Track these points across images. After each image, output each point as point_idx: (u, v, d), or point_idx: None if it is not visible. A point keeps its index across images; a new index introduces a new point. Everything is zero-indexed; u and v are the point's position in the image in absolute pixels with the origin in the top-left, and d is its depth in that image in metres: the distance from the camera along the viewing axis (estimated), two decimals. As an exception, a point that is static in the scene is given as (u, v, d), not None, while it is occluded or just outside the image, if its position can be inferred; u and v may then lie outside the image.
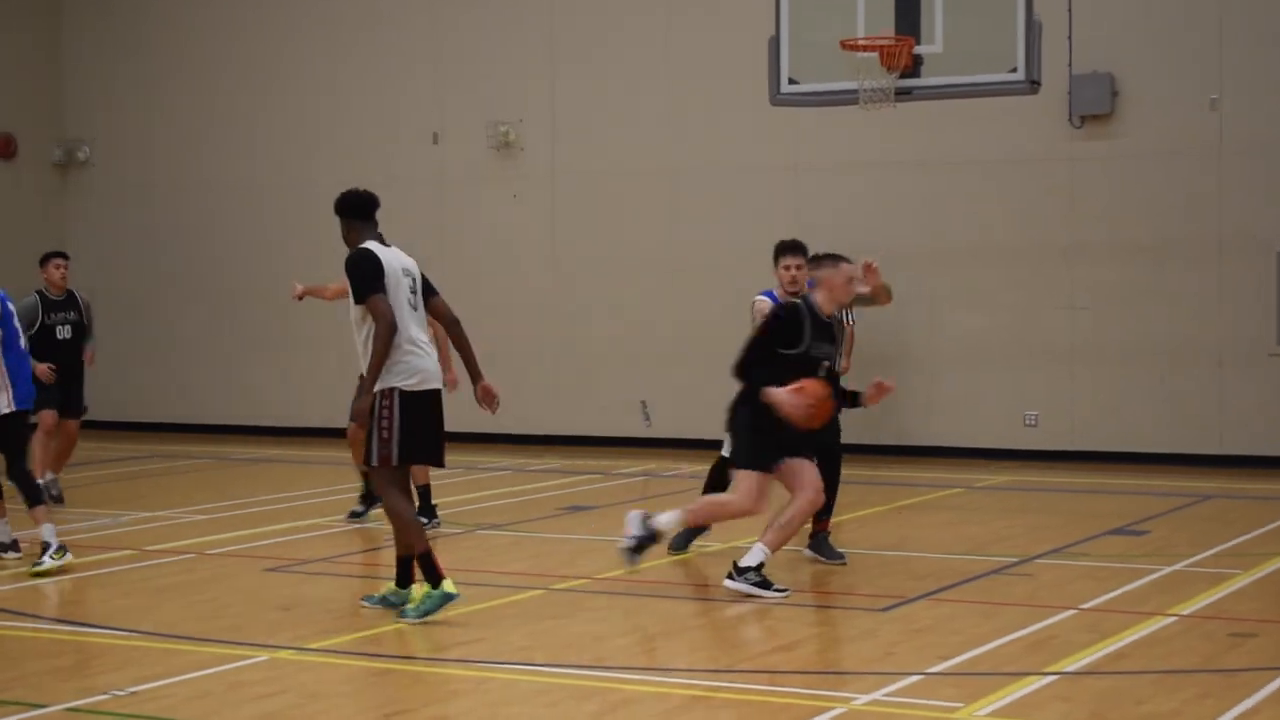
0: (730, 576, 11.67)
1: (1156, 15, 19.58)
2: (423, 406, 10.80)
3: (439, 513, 14.85)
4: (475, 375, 11.18)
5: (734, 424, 12.11)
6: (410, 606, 10.79)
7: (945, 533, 13.91)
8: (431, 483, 14.81)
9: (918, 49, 15.42)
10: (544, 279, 22.08)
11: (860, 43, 15.66)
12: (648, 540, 11.75)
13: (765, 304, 12.87)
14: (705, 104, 21.55)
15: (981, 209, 19.77)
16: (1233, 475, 18.38)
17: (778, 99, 16.02)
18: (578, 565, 12.88)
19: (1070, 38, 18.81)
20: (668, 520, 11.84)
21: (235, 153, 24.36)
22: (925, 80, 15.84)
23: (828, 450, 12.65)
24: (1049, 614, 10.94)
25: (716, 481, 13.35)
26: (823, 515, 12.88)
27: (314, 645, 10.08)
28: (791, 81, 15.96)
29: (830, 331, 11.97)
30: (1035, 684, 9.04)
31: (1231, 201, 19.28)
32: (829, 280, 12.03)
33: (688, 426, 21.42)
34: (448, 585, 10.76)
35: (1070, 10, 18.63)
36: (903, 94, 15.60)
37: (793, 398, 11.36)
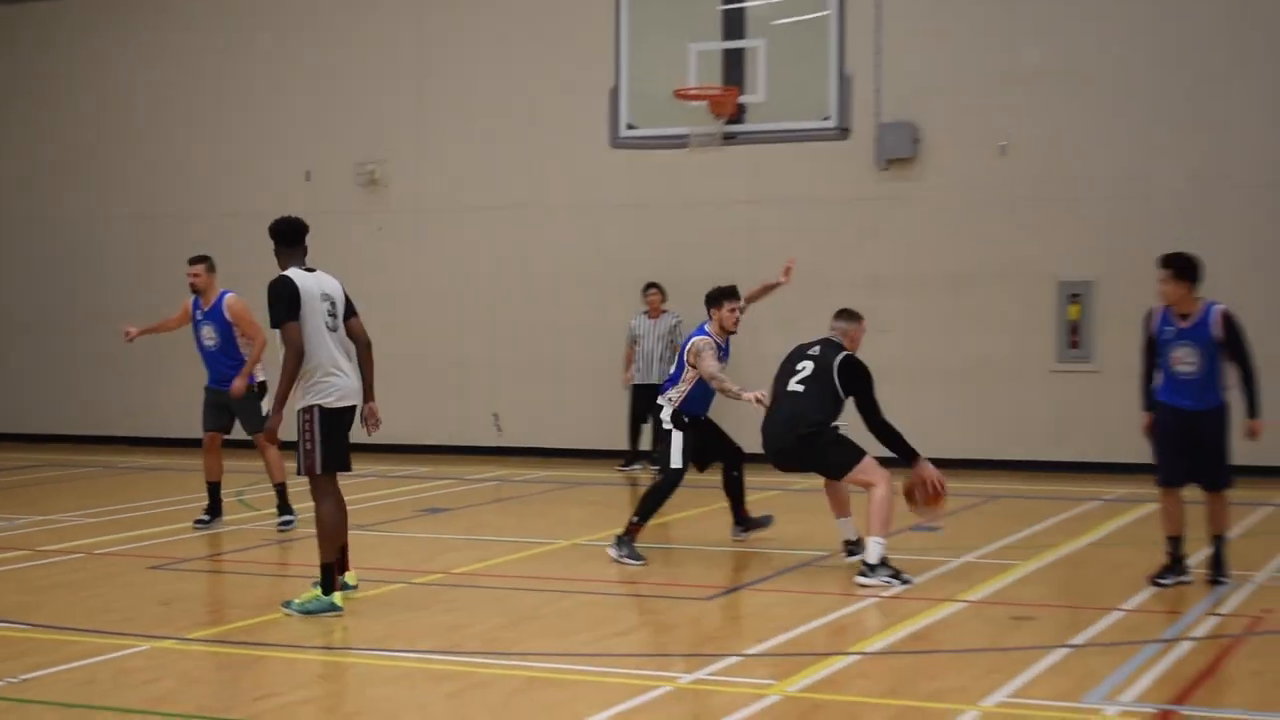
0: (862, 574, 11.79)
1: (954, 71, 19.88)
2: (341, 421, 10.82)
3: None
4: (367, 395, 11.11)
5: (816, 444, 12.38)
6: (298, 601, 10.78)
7: (764, 530, 14.07)
8: (286, 486, 14.74)
9: (743, 98, 15.63)
10: (407, 305, 22.05)
11: (691, 92, 15.83)
12: (883, 566, 11.79)
13: (706, 340, 13.26)
14: (554, 146, 21.60)
15: (799, 242, 19.96)
16: (1019, 477, 18.74)
17: (618, 142, 16.18)
18: (435, 561, 12.90)
19: (877, 90, 19.09)
20: (876, 550, 11.83)
21: (122, 183, 24.06)
22: (749, 126, 16.03)
23: (735, 451, 13.59)
24: (854, 601, 11.12)
25: (735, 491, 13.89)
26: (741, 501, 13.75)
27: (193, 635, 10.05)
28: (630, 127, 16.09)
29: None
30: (840, 663, 9.20)
31: (1018, 237, 19.64)
32: (854, 333, 12.65)
33: (535, 436, 21.57)
34: (337, 598, 10.77)
35: (878, 65, 18.90)
36: (729, 138, 15.78)
37: None
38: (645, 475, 19.59)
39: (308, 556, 13.33)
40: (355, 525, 14.53)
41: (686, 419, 13.25)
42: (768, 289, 14.02)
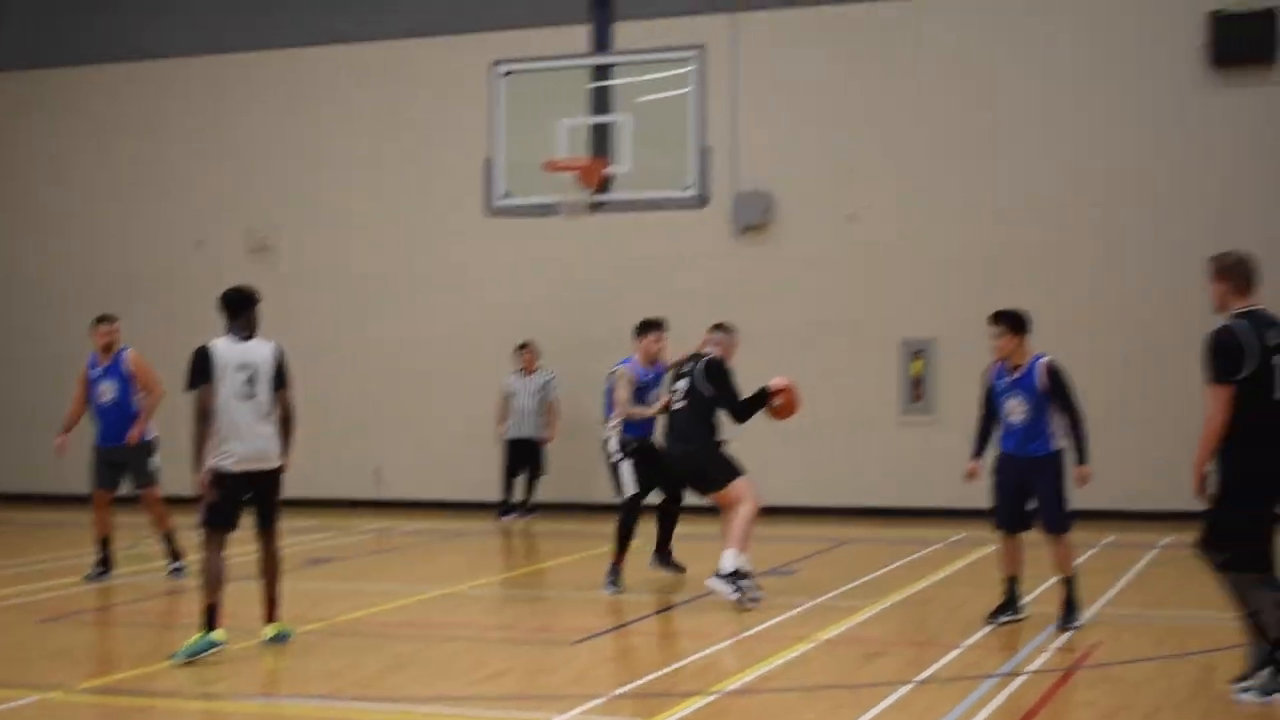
0: (714, 578, 12.41)
1: (805, 145, 20.06)
2: (236, 484, 10.84)
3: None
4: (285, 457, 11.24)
5: (699, 459, 12.84)
6: (181, 648, 10.54)
7: (629, 575, 14.02)
8: (174, 535, 14.67)
9: (609, 169, 15.61)
10: (294, 365, 21.63)
11: (561, 164, 15.80)
12: (735, 577, 12.38)
13: (624, 369, 13.84)
14: (434, 213, 21.54)
15: (661, 301, 19.94)
16: (867, 523, 18.82)
17: (493, 210, 16.10)
18: (318, 610, 12.67)
19: (734, 162, 19.18)
20: (731, 560, 12.38)
21: (24, 248, 23.64)
22: (615, 195, 16.02)
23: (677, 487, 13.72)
24: (713, 643, 11.05)
25: (667, 523, 14.12)
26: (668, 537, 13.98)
27: (81, 687, 9.78)
28: (505, 195, 16.03)
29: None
30: (700, 702, 9.13)
31: (865, 298, 19.79)
32: (725, 341, 13.45)
33: (415, 489, 21.37)
34: (217, 634, 10.60)
35: (735, 139, 19.00)
36: (597, 207, 15.77)
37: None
38: (519, 525, 19.49)
39: (196, 607, 13.09)
40: (241, 576, 14.32)
41: (635, 443, 13.66)
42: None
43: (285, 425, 11.22)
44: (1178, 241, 18.71)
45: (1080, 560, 14.64)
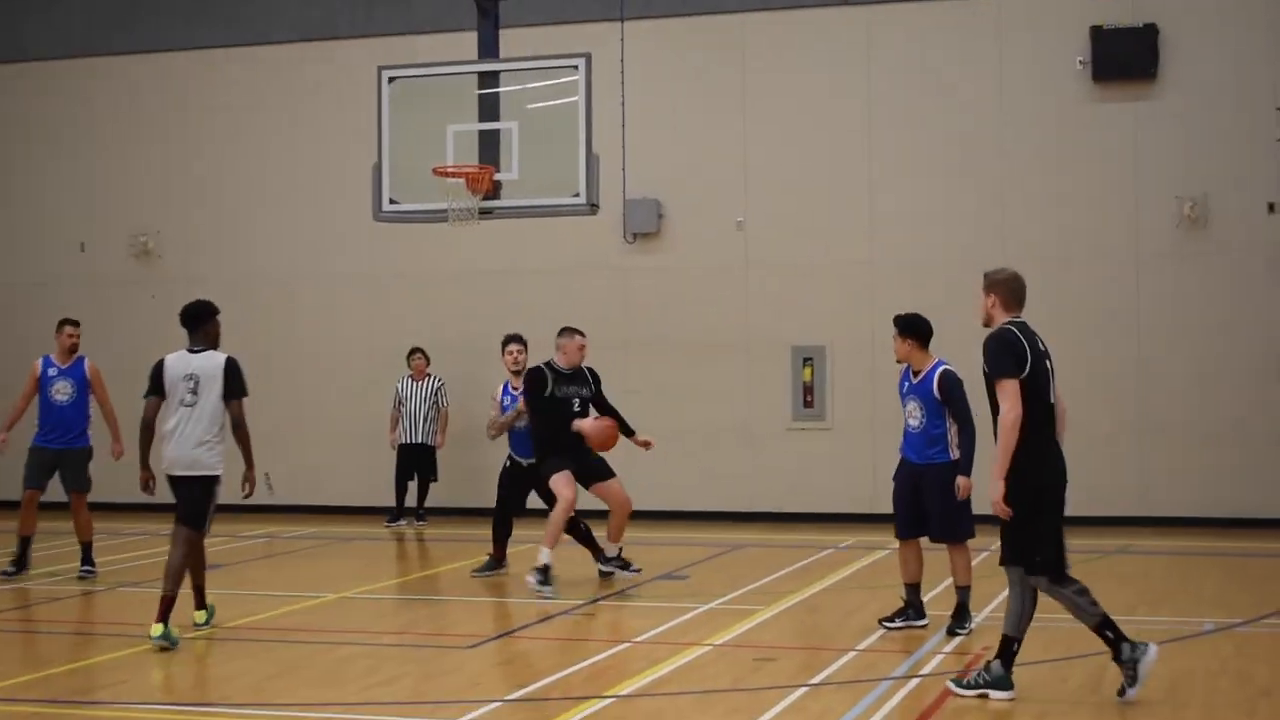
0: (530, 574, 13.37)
1: (693, 152, 20.09)
2: (172, 485, 11.56)
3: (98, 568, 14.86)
4: (246, 462, 11.76)
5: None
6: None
7: (521, 582, 13.89)
8: (93, 543, 14.97)
9: (498, 176, 15.45)
10: (179, 369, 21.43)
11: (449, 170, 15.65)
12: (545, 571, 13.31)
13: (498, 389, 15.00)
14: (321, 219, 21.35)
15: (552, 310, 19.88)
16: (760, 528, 18.81)
17: (380, 216, 15.88)
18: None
19: (624, 169, 19.13)
20: (545, 555, 13.38)
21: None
22: (505, 202, 15.88)
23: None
24: (608, 647, 11.00)
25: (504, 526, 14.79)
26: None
27: (-36, 694, 9.56)
28: (392, 202, 15.84)
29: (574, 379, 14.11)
30: (595, 706, 9.07)
31: (754, 305, 19.83)
32: (566, 346, 14.17)
33: (306, 494, 21.12)
34: (170, 629, 10.98)
35: (624, 146, 18.95)
36: (485, 213, 15.60)
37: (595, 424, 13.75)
38: (410, 530, 19.31)
39: (80, 614, 12.86)
40: (128, 583, 14.09)
41: (509, 462, 14.71)
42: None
43: (237, 432, 11.56)
44: (1057, 252, 18.91)
45: (973, 564, 14.77)
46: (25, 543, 14.88)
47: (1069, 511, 9.21)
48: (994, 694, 9.15)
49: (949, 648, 10.78)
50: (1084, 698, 9.21)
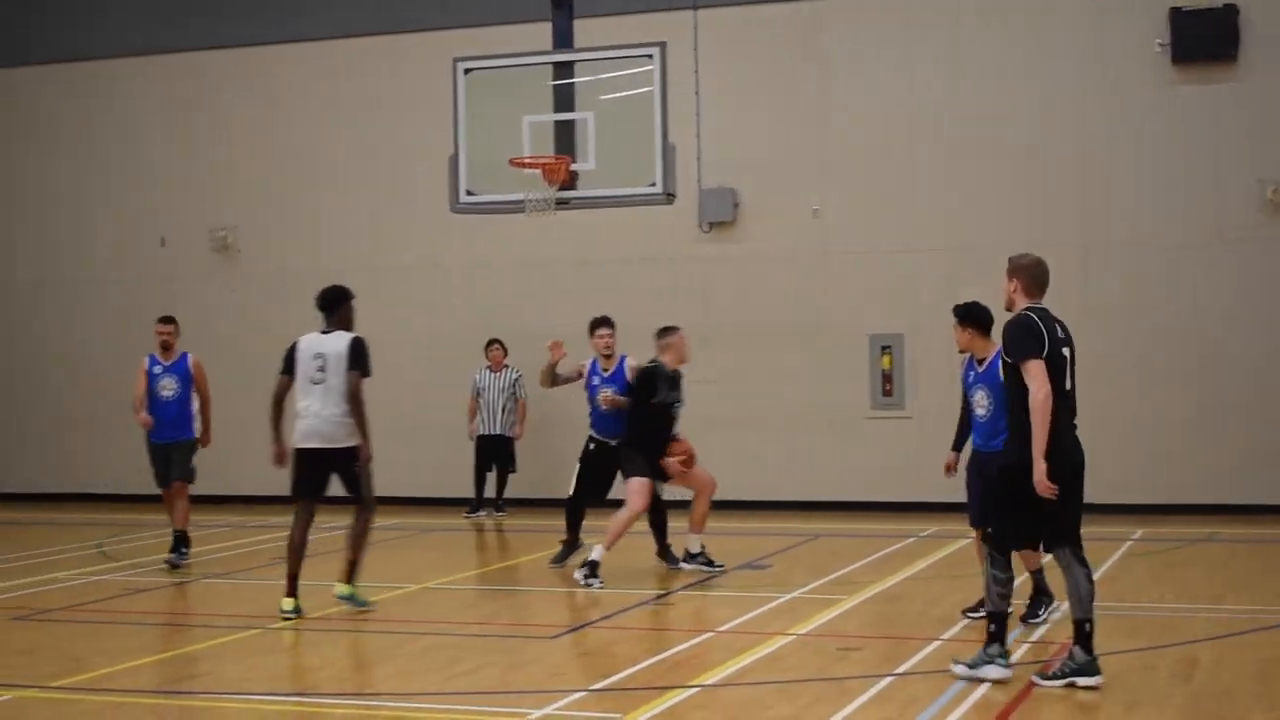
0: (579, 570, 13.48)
1: (769, 141, 20.00)
2: (303, 458, 12.15)
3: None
4: (362, 438, 12.27)
5: (624, 450, 14.10)
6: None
7: (605, 571, 13.88)
8: (187, 533, 15.46)
9: (574, 166, 15.46)
10: (261, 363, 21.40)
11: (526, 161, 15.66)
12: (594, 566, 13.41)
13: (586, 365, 14.85)
14: (398, 211, 21.43)
15: (628, 300, 19.91)
16: (840, 517, 18.73)
17: (457, 208, 15.92)
18: (290, 607, 12.55)
19: (699, 158, 19.07)
20: (598, 552, 13.47)
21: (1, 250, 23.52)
22: (581, 192, 15.87)
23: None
24: (691, 637, 10.98)
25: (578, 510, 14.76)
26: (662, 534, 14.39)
27: (54, 684, 9.63)
28: (469, 193, 15.87)
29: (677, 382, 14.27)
30: (680, 696, 9.05)
31: (832, 294, 19.74)
32: (675, 343, 14.34)
33: (386, 486, 20.97)
34: (285, 603, 11.85)
35: (699, 136, 18.90)
36: (562, 204, 15.61)
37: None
38: (490, 521, 19.37)
39: (168, 605, 12.97)
40: (213, 574, 14.21)
41: (592, 444, 14.66)
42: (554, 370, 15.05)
43: (350, 404, 12.16)
44: (1139, 237, 18.73)
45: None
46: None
47: (1094, 499, 9.20)
48: (1081, 681, 9.07)
49: (1035, 636, 10.68)
50: (1174, 687, 9.10)
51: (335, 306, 12.61)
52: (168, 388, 15.51)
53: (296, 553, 12.20)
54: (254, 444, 20.71)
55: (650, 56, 16.06)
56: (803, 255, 19.88)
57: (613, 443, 14.41)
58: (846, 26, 19.92)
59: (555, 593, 13.39)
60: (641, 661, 10.09)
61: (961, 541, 15.41)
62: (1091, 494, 18.41)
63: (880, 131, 19.70)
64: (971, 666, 9.32)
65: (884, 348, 19.52)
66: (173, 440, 15.50)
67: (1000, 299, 11.35)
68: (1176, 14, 18.52)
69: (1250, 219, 18.43)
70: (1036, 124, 19.20)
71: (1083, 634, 9.19)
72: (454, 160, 15.94)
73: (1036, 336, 9.15)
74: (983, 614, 11.23)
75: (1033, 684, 9.15)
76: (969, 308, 11.40)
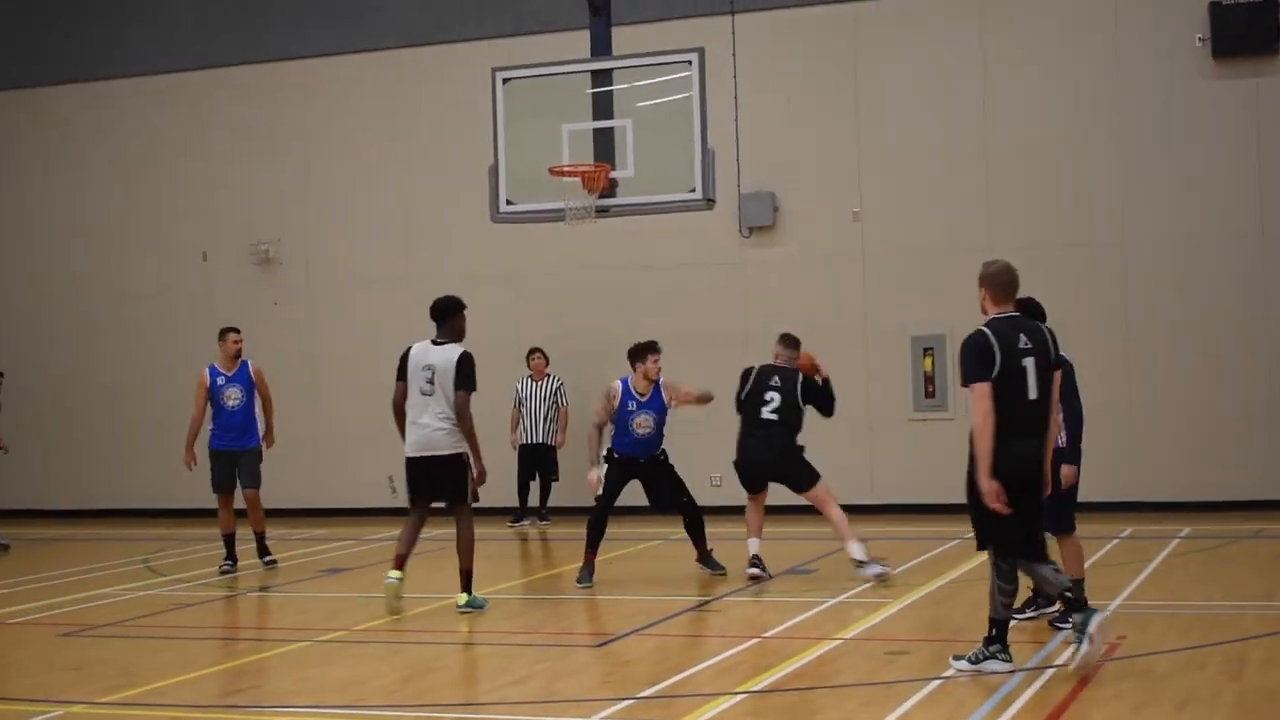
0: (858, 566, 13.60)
1: (807, 144, 19.99)
2: (413, 466, 12.68)
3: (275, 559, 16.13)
4: (473, 455, 12.69)
5: (795, 460, 14.34)
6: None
7: (648, 578, 13.90)
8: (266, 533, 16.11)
9: (613, 174, 15.47)
10: (303, 374, 21.69)
11: (565, 169, 15.69)
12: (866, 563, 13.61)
13: (613, 385, 14.54)
14: (438, 222, 21.49)
15: (670, 304, 19.95)
16: (883, 520, 18.65)
17: (497, 218, 15.96)
18: (338, 619, 12.59)
19: (738, 163, 19.07)
20: (857, 549, 13.65)
21: (41, 266, 23.59)
22: (621, 200, 15.88)
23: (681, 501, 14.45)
24: (737, 643, 10.95)
25: (693, 526, 14.53)
26: (701, 540, 14.38)
27: (103, 700, 9.68)
28: (509, 203, 15.90)
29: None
30: (728, 702, 9.03)
31: (873, 296, 19.70)
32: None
33: (429, 496, 21.22)
34: (392, 572, 12.68)
35: (737, 141, 18.90)
36: (602, 211, 15.62)
37: None
38: (534, 530, 19.39)
39: (215, 619, 13.02)
40: (258, 587, 14.28)
41: (617, 455, 14.38)
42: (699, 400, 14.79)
43: (459, 422, 12.52)
44: (1181, 234, 18.65)
45: (1101, 553, 14.61)
46: (230, 540, 15.81)
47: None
48: (988, 667, 9.46)
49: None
50: (1224, 685, 9.04)
51: (447, 317, 12.96)
52: (233, 397, 15.89)
53: (406, 542, 12.90)
54: (298, 453, 20.89)
55: (689, 62, 16.06)
56: (843, 258, 19.85)
57: (642, 460, 14.36)
58: (883, 28, 19.90)
59: (601, 601, 13.39)
60: (689, 668, 10.08)
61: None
62: (1138, 492, 18.50)
63: (918, 132, 19.67)
64: (973, 662, 9.51)
65: (926, 349, 19.47)
66: (241, 447, 15.88)
67: (1044, 298, 11.36)
68: (1216, 8, 18.44)
69: (1294, 213, 18.32)
70: (1076, 122, 19.14)
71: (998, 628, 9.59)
72: (493, 170, 15.98)
73: (983, 358, 9.39)
74: (1029, 615, 11.24)
75: (957, 665, 9.50)
76: (1024, 302, 11.26)
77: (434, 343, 12.84)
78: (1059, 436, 10.95)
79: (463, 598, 12.60)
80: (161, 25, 23.07)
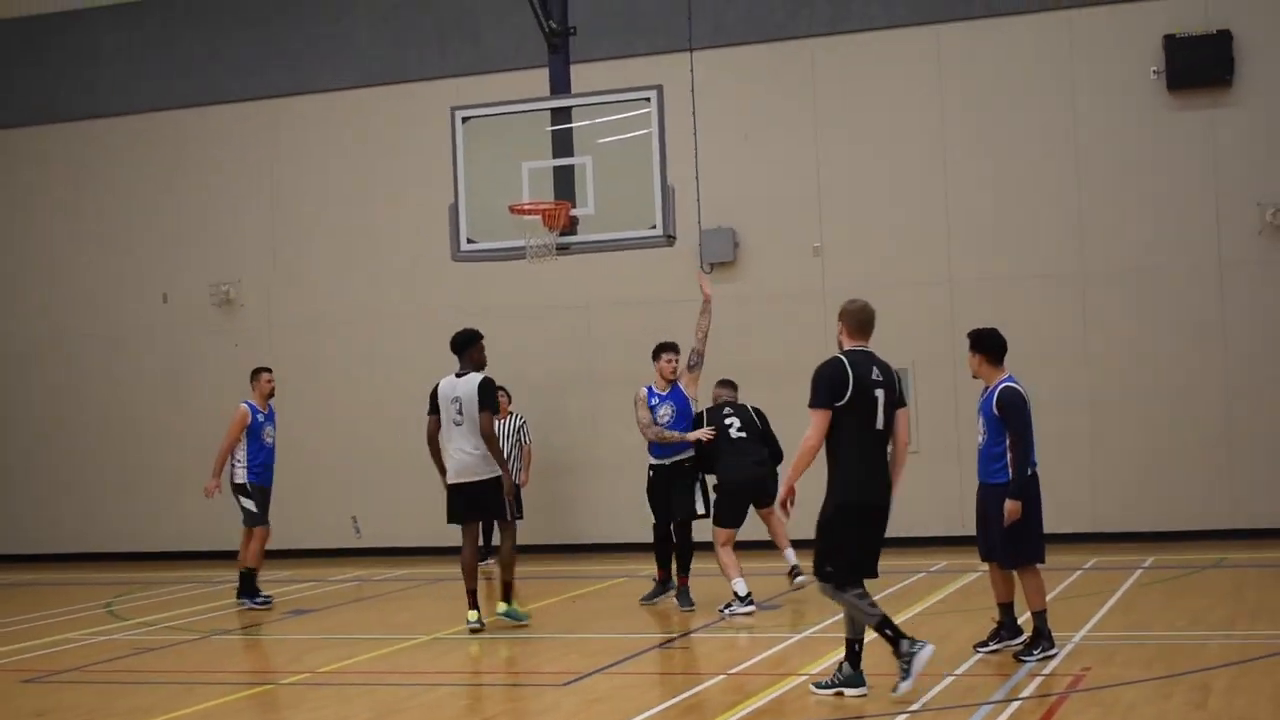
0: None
1: (767, 180, 20.06)
2: (455, 493, 13.67)
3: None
4: (503, 473, 13.64)
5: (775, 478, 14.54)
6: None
7: (613, 617, 13.86)
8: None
9: (574, 211, 15.52)
10: (264, 415, 21.60)
11: (525, 207, 15.73)
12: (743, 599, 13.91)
13: (639, 391, 14.90)
14: (399, 260, 21.47)
15: (632, 342, 19.93)
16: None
17: (458, 256, 15.99)
18: (302, 661, 12.54)
19: (698, 199, 19.11)
20: (738, 584, 13.92)
21: (2, 308, 23.60)
22: (582, 237, 15.92)
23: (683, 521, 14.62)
24: (703, 680, 10.97)
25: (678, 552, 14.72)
26: (682, 572, 14.52)
27: (69, 746, 9.63)
28: (470, 241, 15.93)
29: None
30: (695, 740, 9.04)
31: (835, 330, 19.69)
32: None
33: (393, 536, 21.21)
34: (470, 615, 13.49)
35: (697, 177, 18.95)
36: (563, 249, 15.67)
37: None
38: (498, 569, 19.31)
39: (180, 663, 12.95)
40: (221, 629, 14.22)
41: (651, 471, 14.68)
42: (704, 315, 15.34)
43: (486, 442, 13.46)
44: (1140, 265, 18.77)
45: (1065, 584, 14.65)
46: (252, 574, 16.17)
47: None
48: (849, 691, 9.87)
49: (1047, 670, 10.64)
50: (1189, 714, 9.08)
51: (466, 348, 13.90)
52: (270, 435, 16.35)
53: (470, 572, 13.70)
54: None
55: (647, 99, 16.13)
56: (804, 293, 19.90)
57: (667, 464, 14.59)
58: (840, 63, 20.00)
59: (567, 639, 13.36)
60: (656, 706, 10.08)
61: (971, 575, 15.42)
62: (1100, 523, 18.56)
63: (877, 166, 19.77)
64: (827, 686, 9.99)
65: (889, 383, 19.52)
66: (274, 484, 16.42)
67: (1005, 329, 11.45)
68: (1170, 41, 18.60)
69: (1251, 242, 18.47)
70: (1033, 155, 19.27)
71: (852, 652, 10.04)
72: (454, 208, 16.01)
73: (835, 385, 9.97)
74: (992, 648, 11.27)
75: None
76: (981, 334, 11.41)
77: (457, 375, 13.76)
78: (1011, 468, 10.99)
79: (502, 606, 13.70)
80: (120, 67, 23.03)
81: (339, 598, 17.13)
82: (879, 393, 10.01)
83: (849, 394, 9.90)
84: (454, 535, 20.11)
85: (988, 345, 11.32)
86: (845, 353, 10.17)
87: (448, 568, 19.37)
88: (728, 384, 15.55)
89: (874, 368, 10.09)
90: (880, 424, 10.02)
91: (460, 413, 13.55)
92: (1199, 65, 18.57)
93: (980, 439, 11.21)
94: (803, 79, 20.10)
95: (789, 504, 10.21)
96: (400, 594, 17.42)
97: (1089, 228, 19.03)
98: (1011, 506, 10.90)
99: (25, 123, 23.48)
